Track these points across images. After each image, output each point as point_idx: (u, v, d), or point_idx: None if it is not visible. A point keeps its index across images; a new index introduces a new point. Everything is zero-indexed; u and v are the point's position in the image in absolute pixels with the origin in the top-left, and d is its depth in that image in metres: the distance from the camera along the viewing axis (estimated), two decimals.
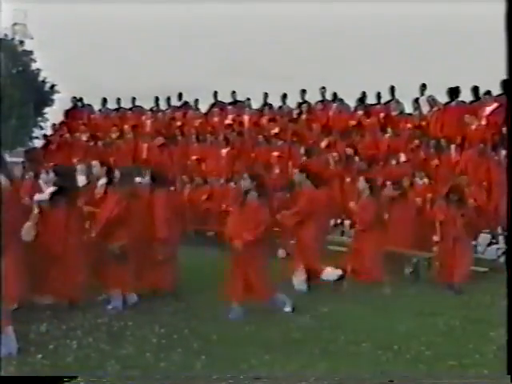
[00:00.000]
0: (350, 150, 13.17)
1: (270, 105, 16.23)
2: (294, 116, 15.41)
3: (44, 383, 5.29)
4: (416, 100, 13.99)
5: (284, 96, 16.06)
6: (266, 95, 16.29)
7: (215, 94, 16.92)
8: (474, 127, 12.27)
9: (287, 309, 7.63)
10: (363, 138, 13.85)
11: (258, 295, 7.50)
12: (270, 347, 6.19)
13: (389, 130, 13.58)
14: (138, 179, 9.57)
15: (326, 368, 5.67)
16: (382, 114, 14.31)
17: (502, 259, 10.40)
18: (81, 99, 18.22)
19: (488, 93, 12.70)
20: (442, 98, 13.52)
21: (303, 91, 15.80)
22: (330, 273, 8.89)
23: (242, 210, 7.61)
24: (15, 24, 29.52)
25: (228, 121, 15.89)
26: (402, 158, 12.65)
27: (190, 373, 5.55)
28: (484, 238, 11.47)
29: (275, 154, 14.19)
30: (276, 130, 14.84)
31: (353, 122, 14.30)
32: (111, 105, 17.98)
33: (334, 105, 15.22)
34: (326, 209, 9.56)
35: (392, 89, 14.65)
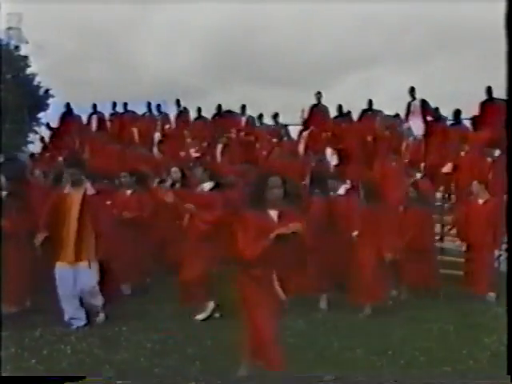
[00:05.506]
0: None
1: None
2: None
3: None
4: (408, 105, 13.46)
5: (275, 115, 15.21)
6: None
7: (199, 110, 16.26)
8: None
9: None
10: None
11: None
12: None
13: None
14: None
15: (320, 373, 5.68)
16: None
17: (495, 264, 10.38)
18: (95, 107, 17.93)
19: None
20: (440, 100, 13.47)
21: (276, 115, 15.04)
22: None
23: None
24: (9, 28, 29.41)
25: (196, 154, 14.82)
26: None
27: (184, 378, 5.55)
28: None
29: None
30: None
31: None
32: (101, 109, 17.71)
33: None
34: None
35: (370, 101, 14.05)
